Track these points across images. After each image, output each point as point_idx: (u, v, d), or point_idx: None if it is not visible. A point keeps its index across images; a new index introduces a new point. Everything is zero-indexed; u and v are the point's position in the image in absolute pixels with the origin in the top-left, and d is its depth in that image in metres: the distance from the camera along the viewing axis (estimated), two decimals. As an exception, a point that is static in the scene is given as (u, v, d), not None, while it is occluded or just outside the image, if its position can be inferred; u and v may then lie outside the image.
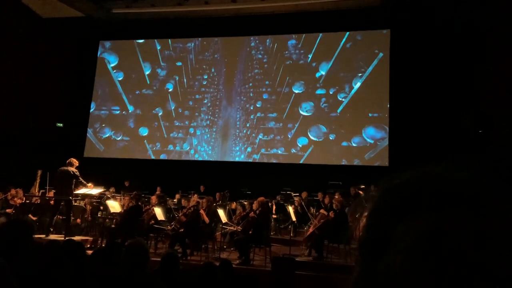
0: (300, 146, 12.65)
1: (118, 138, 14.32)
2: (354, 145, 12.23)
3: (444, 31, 11.22)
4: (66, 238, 7.11)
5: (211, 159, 13.38)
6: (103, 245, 7.86)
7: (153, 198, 9.72)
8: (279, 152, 12.80)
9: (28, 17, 13.84)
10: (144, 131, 14.13)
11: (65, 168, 8.63)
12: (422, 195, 0.43)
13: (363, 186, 9.32)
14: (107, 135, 14.44)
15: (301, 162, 12.49)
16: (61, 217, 9.02)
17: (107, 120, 14.59)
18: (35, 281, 2.74)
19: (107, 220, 9.45)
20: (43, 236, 8.14)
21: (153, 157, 13.77)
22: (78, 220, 9.60)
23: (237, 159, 13.11)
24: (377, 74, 12.30)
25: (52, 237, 8.11)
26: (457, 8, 10.95)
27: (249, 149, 13.14)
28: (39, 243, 4.45)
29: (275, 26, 13.22)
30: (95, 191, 9.41)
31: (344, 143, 12.33)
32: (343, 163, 12.10)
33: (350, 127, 12.36)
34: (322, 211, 7.99)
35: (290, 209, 8.96)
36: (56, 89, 14.13)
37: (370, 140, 12.11)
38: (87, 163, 11.43)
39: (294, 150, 12.68)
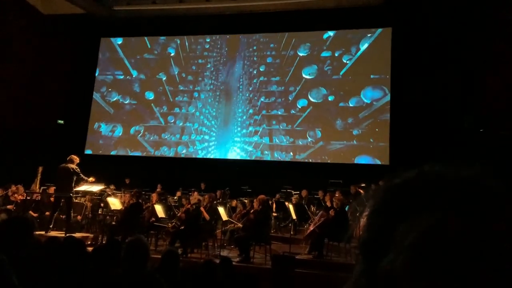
0: (299, 107, 12.89)
1: (126, 102, 14.52)
2: (350, 105, 12.45)
3: (444, 30, 11.19)
4: (67, 235, 7.12)
5: (215, 121, 13.65)
6: (104, 242, 7.87)
7: (154, 196, 9.73)
8: (279, 113, 13.07)
9: (29, 14, 13.83)
10: (150, 95, 14.34)
11: (66, 165, 8.64)
12: (424, 194, 0.43)
13: (364, 185, 9.32)
14: (114, 99, 14.63)
15: (298, 121, 12.79)
16: (63, 216, 9.02)
17: (113, 85, 14.75)
18: (35, 277, 2.75)
19: (107, 217, 9.46)
20: (43, 232, 8.14)
21: (161, 119, 14.01)
22: (79, 217, 9.60)
23: (239, 120, 13.40)
24: (387, 32, 12.36)
25: (53, 234, 8.12)
26: (458, 6, 10.93)
27: (251, 111, 13.42)
28: (39, 239, 4.45)
29: (276, 24, 13.19)
30: (95, 188, 9.41)
31: (341, 104, 12.58)
32: (341, 162, 12.10)
33: (350, 89, 12.57)
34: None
35: (291, 207, 8.96)
36: (57, 86, 14.13)
37: (367, 100, 12.32)
38: (87, 160, 11.44)
39: (293, 111, 12.95)
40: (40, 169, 11.17)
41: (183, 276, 3.78)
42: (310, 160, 12.50)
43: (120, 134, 14.27)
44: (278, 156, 12.79)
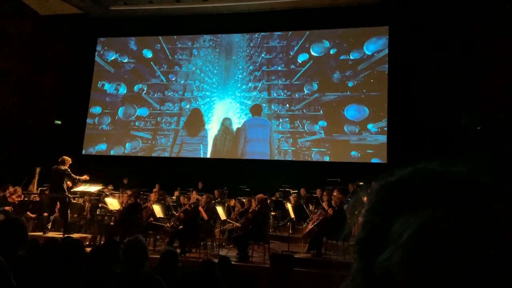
0: (300, 62, 12.84)
1: (125, 60, 14.42)
2: (351, 57, 12.41)
3: (444, 28, 11.20)
4: (65, 235, 7.10)
5: (216, 78, 13.59)
6: (102, 243, 7.86)
7: (152, 195, 9.72)
8: (279, 68, 13.02)
9: (26, 14, 13.79)
10: (148, 54, 14.23)
11: (57, 166, 8.65)
12: (418, 191, 0.44)
13: (362, 183, 9.32)
14: (112, 58, 14.52)
15: (297, 76, 12.74)
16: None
17: (107, 43, 14.64)
18: (34, 278, 2.75)
19: (106, 217, 9.45)
20: (41, 233, 8.13)
21: (162, 78, 13.92)
22: (76, 216, 9.59)
23: (239, 77, 13.36)
24: None
25: (51, 234, 8.11)
26: (457, 4, 10.94)
27: (251, 67, 13.33)
28: (37, 240, 4.45)
29: (273, 23, 13.17)
30: (93, 188, 9.40)
31: (342, 57, 12.51)
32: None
33: (354, 41, 12.45)
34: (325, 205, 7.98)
35: (289, 206, 8.98)
36: (55, 86, 14.09)
37: (368, 52, 12.26)
38: (85, 160, 11.42)
39: (293, 66, 12.89)
40: (38, 170, 11.15)
41: (182, 276, 3.78)
42: (304, 111, 12.52)
43: (125, 92, 14.22)
44: (275, 108, 12.84)
